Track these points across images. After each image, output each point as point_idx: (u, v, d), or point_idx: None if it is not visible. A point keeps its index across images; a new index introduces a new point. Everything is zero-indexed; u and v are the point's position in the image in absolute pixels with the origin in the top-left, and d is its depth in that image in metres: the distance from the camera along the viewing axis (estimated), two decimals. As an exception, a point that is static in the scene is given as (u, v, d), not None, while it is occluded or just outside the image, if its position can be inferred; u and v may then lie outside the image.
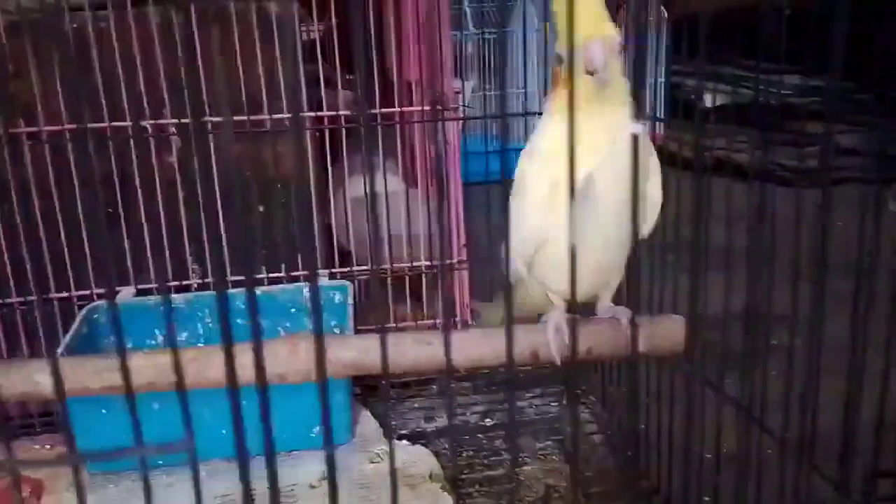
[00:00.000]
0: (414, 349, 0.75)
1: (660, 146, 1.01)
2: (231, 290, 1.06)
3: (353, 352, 0.75)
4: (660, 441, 0.85)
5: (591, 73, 0.60)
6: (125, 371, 0.35)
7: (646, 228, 0.70)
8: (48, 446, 1.03)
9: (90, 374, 0.70)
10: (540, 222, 0.67)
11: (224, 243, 1.02)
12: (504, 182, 0.48)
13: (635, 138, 0.38)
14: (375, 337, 0.83)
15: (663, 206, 0.70)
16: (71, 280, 1.11)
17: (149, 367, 0.71)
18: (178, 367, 0.35)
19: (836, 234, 0.54)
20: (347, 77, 1.68)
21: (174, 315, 1.02)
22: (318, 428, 0.94)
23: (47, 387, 0.69)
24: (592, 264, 0.66)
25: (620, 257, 0.68)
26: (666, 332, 0.72)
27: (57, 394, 0.38)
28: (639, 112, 0.59)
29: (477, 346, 0.73)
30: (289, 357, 0.74)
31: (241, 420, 0.30)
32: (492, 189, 1.03)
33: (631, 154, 0.38)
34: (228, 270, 1.01)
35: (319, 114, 1.18)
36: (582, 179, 0.61)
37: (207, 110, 1.12)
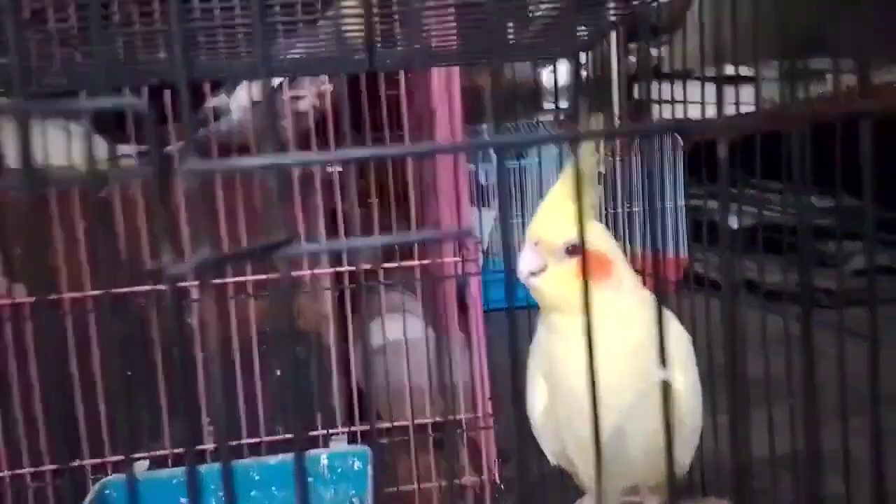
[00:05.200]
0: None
1: (685, 269, 0.97)
2: (244, 462, 1.03)
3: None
4: None
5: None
6: None
7: (685, 458, 0.65)
8: None
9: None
10: (541, 422, 0.66)
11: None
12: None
13: (665, 386, 0.35)
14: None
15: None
16: (85, 448, 1.08)
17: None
18: None
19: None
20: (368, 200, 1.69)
21: (185, 492, 0.98)
22: None
23: None
24: (614, 467, 0.61)
25: (649, 462, 0.62)
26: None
27: None
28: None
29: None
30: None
31: None
32: (516, 316, 0.99)
33: (658, 402, 0.34)
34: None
35: (338, 269, 1.17)
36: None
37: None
